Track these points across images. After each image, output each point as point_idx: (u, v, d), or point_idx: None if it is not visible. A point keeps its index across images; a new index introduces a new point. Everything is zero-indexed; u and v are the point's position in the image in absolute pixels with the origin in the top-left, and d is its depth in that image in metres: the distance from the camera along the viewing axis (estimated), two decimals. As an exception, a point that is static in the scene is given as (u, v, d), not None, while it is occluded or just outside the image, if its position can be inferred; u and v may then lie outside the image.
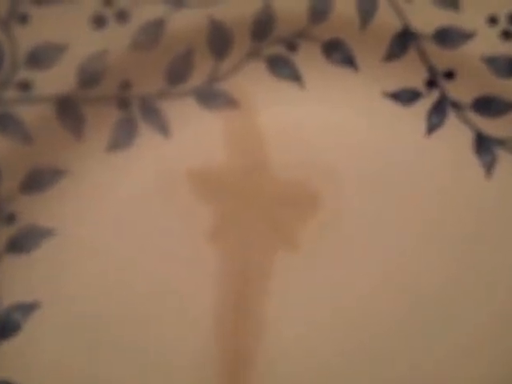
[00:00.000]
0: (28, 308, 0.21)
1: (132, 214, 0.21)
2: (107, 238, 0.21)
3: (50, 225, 0.21)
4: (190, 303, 0.21)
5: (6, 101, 0.20)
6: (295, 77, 0.22)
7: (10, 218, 0.21)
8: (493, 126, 0.23)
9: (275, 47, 0.22)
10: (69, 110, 0.21)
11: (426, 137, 0.23)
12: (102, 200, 0.21)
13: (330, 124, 0.23)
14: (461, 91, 0.23)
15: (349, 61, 0.23)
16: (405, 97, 0.23)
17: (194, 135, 0.22)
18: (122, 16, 0.21)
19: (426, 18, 0.22)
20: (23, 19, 0.20)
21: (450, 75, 0.23)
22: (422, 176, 0.23)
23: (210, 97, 0.22)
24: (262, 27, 0.22)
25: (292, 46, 0.22)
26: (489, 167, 0.23)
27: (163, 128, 0.22)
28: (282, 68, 0.22)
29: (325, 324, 0.22)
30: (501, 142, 0.23)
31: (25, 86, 0.20)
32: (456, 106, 0.23)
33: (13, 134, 0.20)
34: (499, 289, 0.23)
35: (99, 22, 0.21)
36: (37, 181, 0.21)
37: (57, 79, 0.20)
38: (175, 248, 0.21)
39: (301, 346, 0.22)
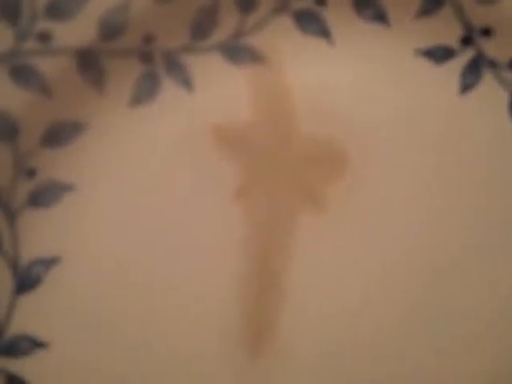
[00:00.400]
0: (48, 262, 0.21)
1: (154, 170, 0.21)
2: (128, 194, 0.21)
3: (70, 180, 0.21)
4: (213, 264, 0.21)
5: (25, 52, 0.19)
6: (324, 33, 0.22)
7: (31, 173, 0.20)
8: (531, 87, 0.22)
9: (303, 1, 0.21)
10: (89, 63, 0.20)
11: (460, 97, 0.22)
12: (123, 156, 0.21)
13: (359, 83, 0.22)
14: (498, 50, 0.22)
15: (380, 16, 0.22)
16: (438, 54, 0.22)
17: (218, 91, 0.21)
18: (146, -34, 0.20)
19: (463, -28, 0.21)
20: (44, -31, 0.19)
21: (486, 32, 0.22)
22: (454, 139, 0.22)
23: (235, 52, 0.21)
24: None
25: (321, 0, 0.21)
26: (525, 130, 0.22)
27: (187, 83, 0.21)
28: (311, 23, 0.22)
29: (347, 292, 0.22)
30: (538, 104, 0.22)
31: (44, 37, 0.20)
32: (492, 65, 0.22)
33: (32, 86, 0.20)
34: (502, 285, 0.22)
35: (122, -28, 0.20)
36: (57, 135, 0.20)
37: (77, 31, 0.20)
38: (199, 207, 0.21)
39: (322, 315, 0.21)
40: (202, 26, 0.21)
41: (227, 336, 0.21)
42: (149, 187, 0.21)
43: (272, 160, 0.21)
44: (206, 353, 0.21)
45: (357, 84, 0.22)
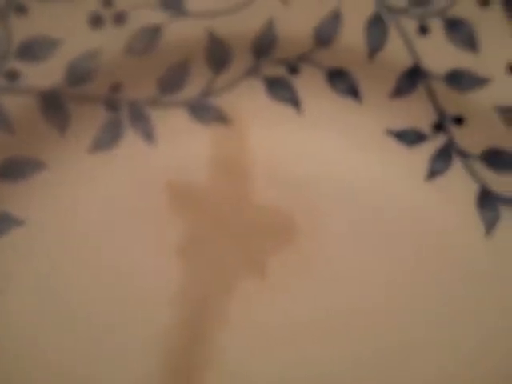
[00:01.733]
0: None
1: (103, 216, 0.21)
2: (75, 236, 0.21)
3: (20, 215, 0.21)
4: (144, 314, 0.21)
5: (-11, 88, 0.20)
6: (294, 101, 0.22)
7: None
8: (500, 182, 0.21)
9: (276, 68, 0.21)
10: (54, 105, 0.21)
11: (426, 183, 0.22)
12: (77, 198, 0.21)
13: (324, 155, 0.22)
14: (469, 139, 0.21)
15: (353, 92, 0.21)
16: (409, 137, 0.22)
17: (179, 147, 0.21)
18: (120, 18, 0.21)
19: (440, 57, 0.21)
20: (21, 10, 0.20)
21: (459, 121, 0.21)
22: (416, 224, 0.21)
23: (201, 110, 0.21)
24: (264, 46, 0.21)
25: (294, 69, 0.21)
26: (490, 225, 0.21)
27: (149, 135, 0.21)
28: (281, 90, 0.22)
29: (280, 363, 0.21)
30: (507, 201, 0.21)
31: (12, 76, 0.20)
32: (462, 154, 0.21)
33: (-6, 121, 0.20)
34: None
35: (96, 21, 0.20)
36: (13, 170, 0.21)
37: (46, 73, 0.20)
38: (141, 257, 0.21)
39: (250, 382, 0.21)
40: (170, 82, 0.21)
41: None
42: (96, 232, 0.21)
43: (220, 223, 0.21)
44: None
45: (321, 156, 0.22)
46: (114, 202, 0.21)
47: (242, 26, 0.21)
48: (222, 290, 0.21)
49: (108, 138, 0.21)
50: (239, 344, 0.21)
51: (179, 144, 0.22)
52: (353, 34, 0.21)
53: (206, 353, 0.21)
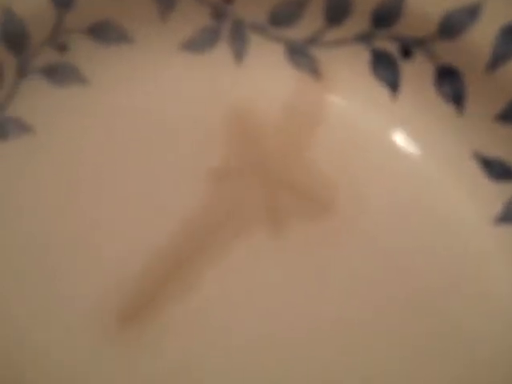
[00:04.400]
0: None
1: (145, 124, 0.20)
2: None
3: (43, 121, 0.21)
4: (143, 225, 0.20)
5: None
6: (393, 84, 0.20)
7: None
8: None
9: (389, 44, 0.20)
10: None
11: (492, 225, 0.19)
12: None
13: (396, 148, 0.20)
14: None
15: (457, 99, 0.19)
16: (496, 169, 0.19)
17: (262, 81, 0.20)
18: None
19: None
20: None
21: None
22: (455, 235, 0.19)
23: (298, 55, 0.20)
24: (386, 16, 0.19)
25: (407, 52, 0.20)
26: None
27: (239, 58, 0.21)
28: (385, 69, 0.20)
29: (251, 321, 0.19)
30: None
31: None
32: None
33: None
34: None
35: None
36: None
37: None
38: (172, 175, 0.20)
39: (220, 336, 0.19)
40: (282, 15, 0.20)
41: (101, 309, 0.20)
42: (125, 138, 0.20)
43: (262, 167, 0.20)
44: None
45: (392, 147, 0.20)
46: (170, 109, 0.20)
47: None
48: (231, 231, 0.20)
49: (200, 44, 0.21)
50: (219, 293, 0.19)
51: (263, 78, 0.20)
52: (483, 36, 0.19)
53: (178, 287, 0.20)
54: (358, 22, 0.20)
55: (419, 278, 0.19)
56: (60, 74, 0.21)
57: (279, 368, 0.19)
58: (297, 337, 0.19)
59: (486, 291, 0.19)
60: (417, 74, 0.20)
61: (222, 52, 0.21)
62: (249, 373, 0.19)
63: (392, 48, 0.20)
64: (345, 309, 0.19)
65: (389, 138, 0.20)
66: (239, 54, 0.21)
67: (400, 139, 0.20)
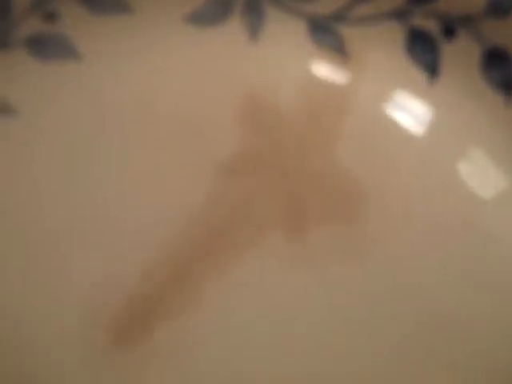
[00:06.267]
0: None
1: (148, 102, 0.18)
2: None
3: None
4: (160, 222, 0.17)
5: None
6: (432, 68, 0.17)
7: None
8: None
9: (429, 22, 0.17)
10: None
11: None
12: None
13: (432, 140, 0.17)
14: None
15: (507, 86, 0.17)
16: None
17: (279, 59, 0.18)
18: None
19: None
20: None
21: None
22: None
23: (322, 32, 0.17)
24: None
25: (450, 31, 0.17)
26: None
27: (254, 32, 0.18)
28: (423, 51, 0.17)
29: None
30: None
31: None
32: None
33: None
34: None
35: None
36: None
37: None
38: (179, 165, 0.17)
39: (220, 337, 0.17)
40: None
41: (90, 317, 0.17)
42: (129, 119, 0.18)
43: (277, 161, 0.17)
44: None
45: (427, 139, 0.17)
46: (174, 92, 0.18)
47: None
48: (241, 236, 0.17)
49: (209, 16, 0.18)
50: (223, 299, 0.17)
51: (281, 57, 0.18)
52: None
53: (186, 293, 0.17)
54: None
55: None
56: (48, 48, 0.18)
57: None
58: (309, 360, 0.17)
59: None
60: (460, 56, 0.17)
61: (234, 27, 0.18)
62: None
63: (431, 26, 0.17)
64: (359, 335, 0.16)
65: (425, 130, 0.17)
66: (254, 29, 0.18)
67: (438, 131, 0.17)
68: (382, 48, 0.17)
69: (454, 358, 0.16)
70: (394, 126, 0.18)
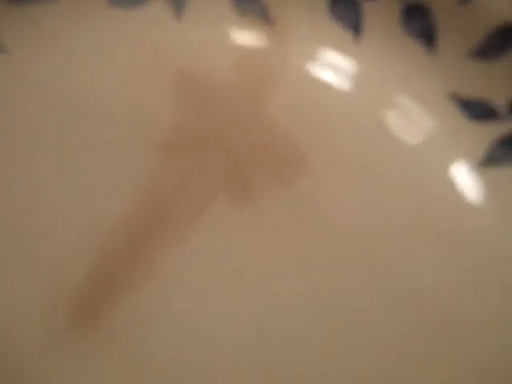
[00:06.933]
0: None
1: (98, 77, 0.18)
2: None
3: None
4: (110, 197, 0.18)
5: None
6: (354, 26, 0.18)
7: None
8: None
9: None
10: None
11: (477, 169, 0.17)
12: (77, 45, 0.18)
13: (365, 95, 0.18)
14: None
15: (427, 37, 0.17)
16: (475, 109, 0.17)
17: (208, 33, 0.18)
18: None
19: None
20: None
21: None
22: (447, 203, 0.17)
23: (245, 1, 0.18)
24: None
25: None
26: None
27: (178, 9, 0.18)
28: (345, 10, 0.18)
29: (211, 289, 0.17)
30: None
31: None
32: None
33: None
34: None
35: None
36: None
37: None
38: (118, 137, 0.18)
39: (176, 318, 0.17)
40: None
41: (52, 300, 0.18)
42: (83, 94, 0.18)
43: (219, 128, 0.18)
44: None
45: (360, 94, 0.18)
46: (105, 76, 0.18)
47: None
48: (189, 207, 0.17)
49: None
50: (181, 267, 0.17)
51: (208, 32, 0.18)
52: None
53: (140, 267, 0.17)
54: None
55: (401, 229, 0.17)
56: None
57: (242, 363, 0.17)
58: (277, 329, 0.17)
59: (476, 243, 0.17)
60: (381, 13, 0.18)
61: (157, 6, 0.18)
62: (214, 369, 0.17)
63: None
64: (334, 293, 0.17)
65: (353, 85, 0.18)
66: (178, 6, 0.18)
67: (366, 85, 0.18)
68: (305, 11, 0.18)
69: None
70: (324, 85, 0.18)
